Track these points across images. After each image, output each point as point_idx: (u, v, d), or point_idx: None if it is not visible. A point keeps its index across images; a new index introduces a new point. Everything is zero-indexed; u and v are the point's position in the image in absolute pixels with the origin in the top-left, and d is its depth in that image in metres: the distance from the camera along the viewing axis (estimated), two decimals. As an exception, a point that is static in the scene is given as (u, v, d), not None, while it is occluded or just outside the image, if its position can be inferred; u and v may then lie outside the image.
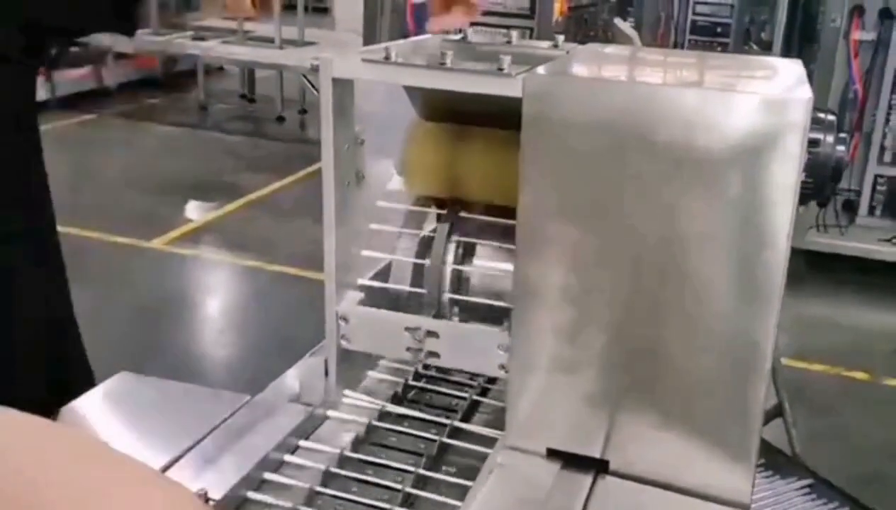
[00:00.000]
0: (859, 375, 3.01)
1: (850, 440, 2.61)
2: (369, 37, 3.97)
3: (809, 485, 1.03)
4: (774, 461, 1.04)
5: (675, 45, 4.76)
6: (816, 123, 0.78)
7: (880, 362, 3.07)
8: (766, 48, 4.35)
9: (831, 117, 0.82)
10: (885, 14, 3.60)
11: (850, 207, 3.84)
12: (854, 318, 3.46)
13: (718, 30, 6.83)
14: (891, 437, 2.64)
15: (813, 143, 0.77)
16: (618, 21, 3.66)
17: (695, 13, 6.96)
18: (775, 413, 2.02)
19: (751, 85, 0.73)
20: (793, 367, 2.88)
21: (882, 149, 3.73)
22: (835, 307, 3.53)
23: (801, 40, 4.22)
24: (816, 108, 0.67)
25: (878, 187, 3.80)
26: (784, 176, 0.66)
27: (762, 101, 0.65)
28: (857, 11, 3.62)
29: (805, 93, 0.66)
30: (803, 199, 0.72)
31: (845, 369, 3.00)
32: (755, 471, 0.74)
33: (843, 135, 0.81)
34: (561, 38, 0.92)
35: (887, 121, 3.69)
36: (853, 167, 3.75)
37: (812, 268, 3.60)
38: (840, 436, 2.61)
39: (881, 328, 3.38)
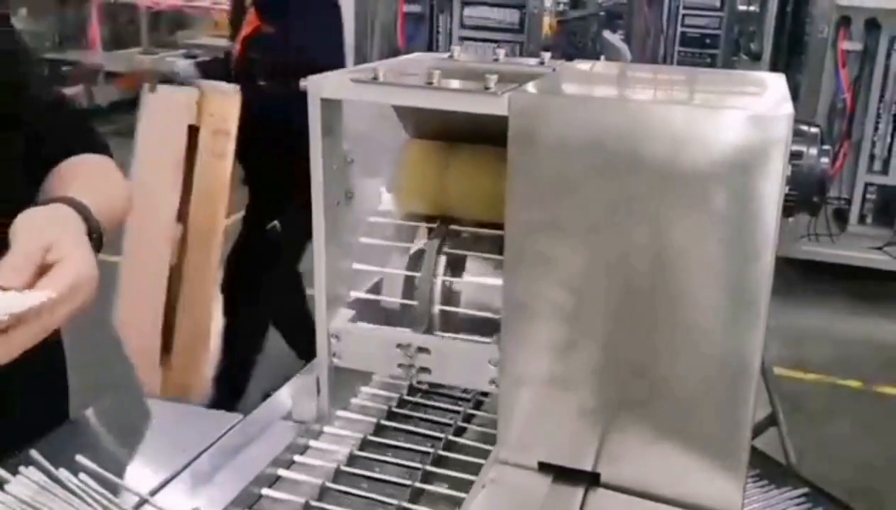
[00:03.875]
0: (852, 383, 3.02)
1: (843, 447, 2.61)
2: (359, 53, 3.98)
3: (805, 495, 1.02)
4: (769, 471, 1.04)
5: (665, 57, 4.80)
6: (799, 135, 0.78)
7: (873, 370, 3.08)
8: (756, 59, 4.38)
9: (814, 129, 0.83)
10: (871, 24, 3.62)
11: (841, 216, 3.85)
12: (846, 327, 3.46)
13: (707, 41, 6.89)
14: (884, 444, 2.64)
15: (796, 155, 0.78)
16: (607, 34, 3.70)
17: (684, 25, 7.01)
18: (769, 422, 2.02)
19: (734, 101, 0.74)
20: (785, 376, 2.88)
21: (872, 157, 3.75)
22: (827, 315, 3.54)
23: (790, 51, 4.24)
24: (800, 121, 0.68)
25: (869, 196, 3.81)
26: (767, 189, 0.67)
27: (744, 116, 0.66)
28: (844, 22, 3.65)
29: (786, 108, 0.67)
30: (789, 211, 0.73)
31: (838, 378, 3.01)
32: (745, 481, 0.74)
33: (826, 147, 0.81)
34: (547, 55, 0.93)
35: (876, 129, 3.70)
36: (843, 176, 3.77)
37: (804, 277, 3.61)
38: (834, 444, 2.62)
39: (873, 336, 3.39)
